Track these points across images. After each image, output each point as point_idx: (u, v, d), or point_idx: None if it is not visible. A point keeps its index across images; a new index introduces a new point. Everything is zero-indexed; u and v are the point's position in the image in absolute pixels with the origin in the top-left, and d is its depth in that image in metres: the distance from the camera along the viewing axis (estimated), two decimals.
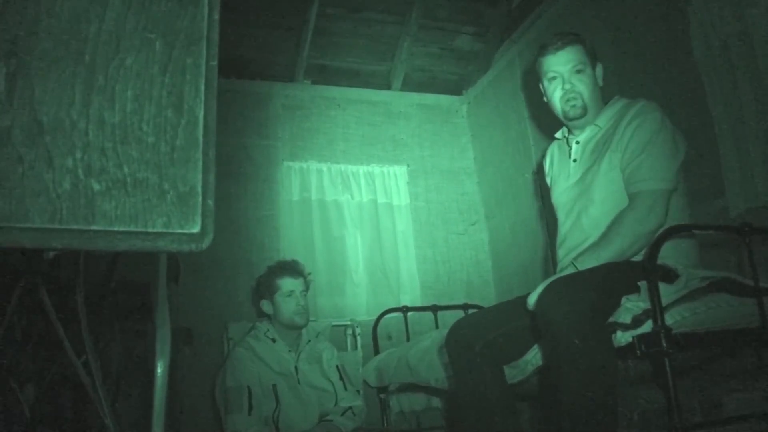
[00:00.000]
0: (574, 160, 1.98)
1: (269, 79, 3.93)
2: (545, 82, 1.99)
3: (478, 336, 1.84)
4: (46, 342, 1.55)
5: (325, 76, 4.01)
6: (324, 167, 3.90)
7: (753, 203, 2.18)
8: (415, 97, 4.25)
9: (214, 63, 0.68)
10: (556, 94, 1.95)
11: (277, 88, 3.93)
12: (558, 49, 1.91)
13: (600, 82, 1.97)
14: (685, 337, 1.56)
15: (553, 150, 2.16)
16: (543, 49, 1.96)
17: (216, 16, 0.69)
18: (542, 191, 3.35)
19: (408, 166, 4.11)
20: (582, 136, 1.98)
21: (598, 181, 1.86)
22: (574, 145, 1.99)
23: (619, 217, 1.76)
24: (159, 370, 1.23)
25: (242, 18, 3.52)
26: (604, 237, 1.76)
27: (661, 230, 1.69)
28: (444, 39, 3.96)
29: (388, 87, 4.16)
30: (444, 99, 4.34)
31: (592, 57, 1.95)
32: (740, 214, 2.20)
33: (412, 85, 4.19)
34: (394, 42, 3.91)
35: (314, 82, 4.01)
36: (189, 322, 2.91)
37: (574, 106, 1.92)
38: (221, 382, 2.69)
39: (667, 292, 1.56)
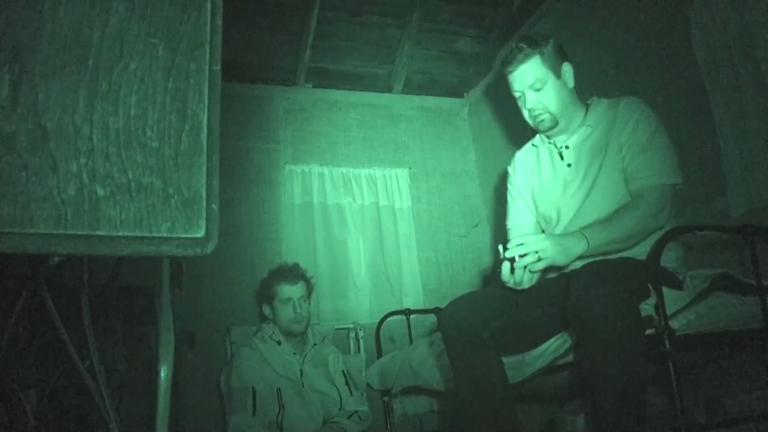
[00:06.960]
0: (569, 165, 1.91)
1: (270, 83, 3.93)
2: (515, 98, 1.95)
3: (485, 324, 1.74)
4: (51, 346, 1.55)
5: (326, 79, 4.01)
6: (326, 170, 3.89)
7: (754, 204, 2.17)
8: (416, 100, 4.25)
9: (218, 68, 0.68)
10: (524, 112, 1.92)
11: (278, 92, 3.94)
12: (514, 68, 1.87)
13: (570, 83, 1.90)
14: (688, 338, 1.56)
15: (524, 157, 2.10)
16: (504, 66, 1.91)
17: (219, 21, 0.69)
18: None
19: (410, 168, 4.11)
20: (572, 140, 1.92)
21: (601, 181, 1.82)
22: (564, 150, 1.93)
23: (633, 206, 1.72)
24: (162, 374, 1.23)
25: (244, 22, 3.53)
26: (616, 217, 1.70)
27: (663, 230, 1.69)
28: (445, 41, 3.96)
29: (389, 90, 4.15)
30: (445, 101, 4.34)
31: (556, 61, 1.87)
32: (741, 214, 2.19)
33: (413, 87, 4.19)
34: (394, 45, 3.91)
35: (315, 86, 4.01)
36: (192, 326, 2.90)
37: (542, 121, 1.89)
38: (226, 379, 2.69)
39: (675, 298, 1.56)
